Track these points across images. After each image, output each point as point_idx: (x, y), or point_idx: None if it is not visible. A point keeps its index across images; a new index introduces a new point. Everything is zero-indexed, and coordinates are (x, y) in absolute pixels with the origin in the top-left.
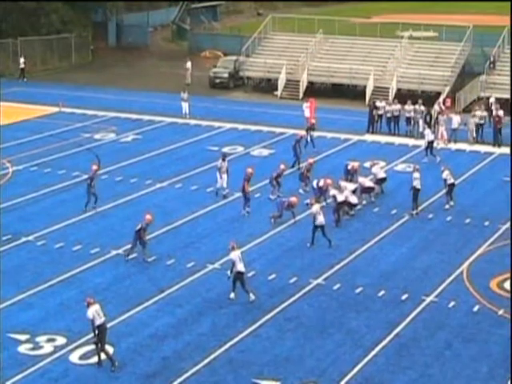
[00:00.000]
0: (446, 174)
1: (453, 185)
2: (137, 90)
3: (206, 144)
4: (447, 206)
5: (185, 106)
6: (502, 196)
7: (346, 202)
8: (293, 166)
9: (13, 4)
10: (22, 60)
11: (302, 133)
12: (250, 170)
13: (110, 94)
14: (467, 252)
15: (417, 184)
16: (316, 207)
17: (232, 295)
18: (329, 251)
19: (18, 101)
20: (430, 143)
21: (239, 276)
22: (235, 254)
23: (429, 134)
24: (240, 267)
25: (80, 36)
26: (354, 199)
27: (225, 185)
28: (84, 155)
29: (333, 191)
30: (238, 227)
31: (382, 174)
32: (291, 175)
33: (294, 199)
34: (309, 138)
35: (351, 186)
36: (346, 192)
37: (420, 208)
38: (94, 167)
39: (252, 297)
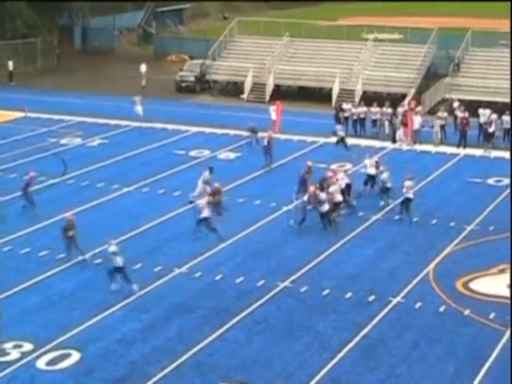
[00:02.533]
0: (385, 176)
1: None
2: (103, 94)
3: (173, 148)
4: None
5: (138, 109)
6: (467, 197)
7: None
8: (265, 167)
9: None
10: (10, 63)
11: (269, 133)
12: (217, 185)
13: (76, 99)
14: (433, 253)
15: (409, 194)
16: (203, 202)
17: (112, 286)
18: (296, 254)
19: None
20: (342, 139)
21: (118, 270)
22: (112, 249)
23: (341, 131)
24: (117, 262)
25: (45, 40)
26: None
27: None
28: (50, 160)
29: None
30: (205, 230)
31: (372, 171)
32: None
33: (312, 189)
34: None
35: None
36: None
37: (387, 209)
38: (32, 174)
39: (135, 287)
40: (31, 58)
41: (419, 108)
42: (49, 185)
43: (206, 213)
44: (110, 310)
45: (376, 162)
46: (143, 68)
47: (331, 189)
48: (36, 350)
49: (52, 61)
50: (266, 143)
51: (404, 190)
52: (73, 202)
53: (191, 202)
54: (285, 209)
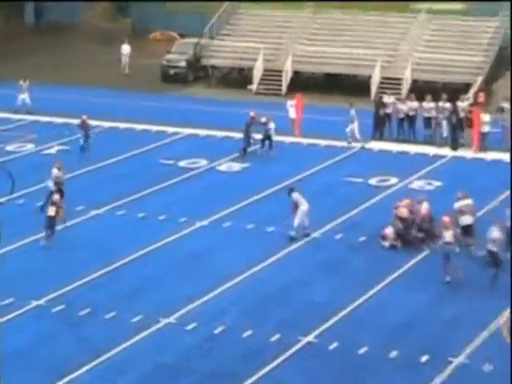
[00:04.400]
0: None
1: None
2: (63, 84)
3: (158, 156)
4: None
5: (23, 97)
6: None
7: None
8: (244, 151)
9: None
10: None
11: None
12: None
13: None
14: (508, 297)
15: (466, 219)
16: None
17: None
18: (323, 299)
19: None
20: None
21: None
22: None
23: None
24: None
25: None
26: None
27: (306, 223)
28: None
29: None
30: (200, 267)
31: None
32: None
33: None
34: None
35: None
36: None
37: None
38: None
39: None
40: None
41: (506, 104)
42: None
43: None
44: (75, 373)
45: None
46: (125, 49)
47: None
48: None
49: None
50: (247, 124)
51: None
52: (24, 228)
53: (293, 239)
54: (312, 236)
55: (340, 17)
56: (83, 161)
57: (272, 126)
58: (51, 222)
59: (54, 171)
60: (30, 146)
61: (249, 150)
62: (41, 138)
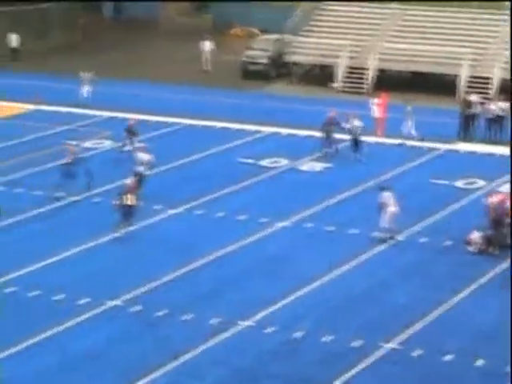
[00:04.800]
0: None
1: None
2: (142, 80)
3: (238, 154)
4: None
5: (85, 89)
6: None
7: None
8: (330, 149)
9: None
10: (13, 38)
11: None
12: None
13: (105, 86)
14: None
15: None
16: None
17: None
18: (406, 303)
19: None
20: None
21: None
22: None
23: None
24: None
25: (65, 7)
26: None
27: (392, 225)
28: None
29: None
30: (280, 269)
31: None
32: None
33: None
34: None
35: None
36: None
37: None
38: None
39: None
40: (45, 30)
41: None
42: (68, 203)
43: None
44: (151, 375)
45: None
46: (207, 46)
47: None
48: None
49: (73, 35)
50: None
51: None
52: (100, 227)
53: (379, 240)
54: (397, 238)
55: (428, 13)
56: (161, 159)
57: (357, 123)
58: (129, 212)
59: (144, 156)
60: (107, 143)
61: (336, 148)
62: (118, 134)
